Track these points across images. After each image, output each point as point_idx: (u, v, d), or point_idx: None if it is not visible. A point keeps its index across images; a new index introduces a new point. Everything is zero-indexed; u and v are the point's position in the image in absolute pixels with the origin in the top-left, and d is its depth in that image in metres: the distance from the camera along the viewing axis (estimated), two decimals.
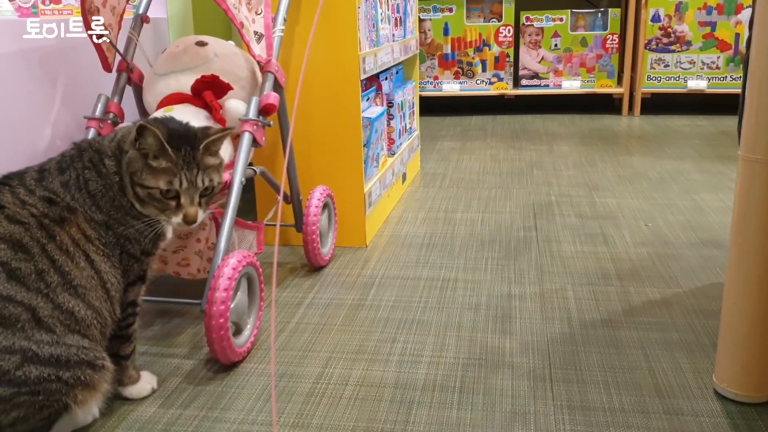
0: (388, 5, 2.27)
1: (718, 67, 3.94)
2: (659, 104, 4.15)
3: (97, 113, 1.55)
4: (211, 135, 1.20)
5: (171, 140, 1.15)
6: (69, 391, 1.04)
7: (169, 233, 1.28)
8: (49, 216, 1.08)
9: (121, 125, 1.30)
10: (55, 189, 1.12)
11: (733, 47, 3.90)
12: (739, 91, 1.29)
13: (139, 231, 1.19)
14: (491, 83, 4.20)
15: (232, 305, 1.34)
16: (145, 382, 1.29)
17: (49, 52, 1.64)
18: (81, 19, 1.47)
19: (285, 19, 1.69)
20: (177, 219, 1.19)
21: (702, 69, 3.96)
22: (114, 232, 1.16)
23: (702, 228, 2.13)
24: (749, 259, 1.17)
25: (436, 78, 4.24)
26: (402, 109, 2.52)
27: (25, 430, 1.01)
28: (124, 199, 1.17)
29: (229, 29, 2.32)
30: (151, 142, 1.14)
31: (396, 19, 2.40)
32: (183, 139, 1.17)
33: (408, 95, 2.63)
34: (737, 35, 3.88)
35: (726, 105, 3.88)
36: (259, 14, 1.60)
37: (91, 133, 1.52)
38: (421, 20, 4.11)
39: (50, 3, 1.75)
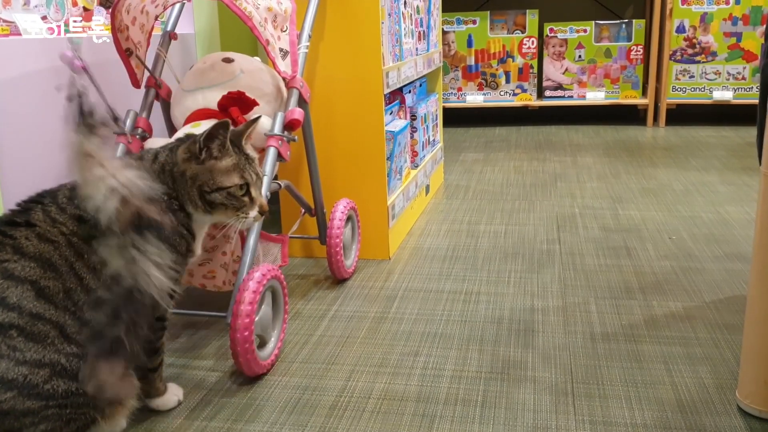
0: (411, 20, 2.29)
1: (743, 78, 3.91)
2: (684, 115, 4.12)
3: (126, 128, 1.59)
4: (247, 129, 1.27)
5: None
6: (96, 405, 1.06)
7: (199, 250, 1.31)
8: (78, 234, 1.10)
9: (148, 148, 1.32)
10: (87, 207, 1.14)
11: (759, 58, 3.86)
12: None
13: (173, 246, 1.21)
14: (515, 94, 4.20)
15: (256, 318, 1.36)
16: (172, 394, 1.32)
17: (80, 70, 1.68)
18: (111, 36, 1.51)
19: (310, 36, 1.72)
20: (254, 212, 1.26)
21: (728, 80, 3.93)
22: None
23: (726, 241, 2.11)
24: None
25: (459, 89, 4.25)
26: (425, 122, 2.54)
27: None
28: (167, 216, 1.19)
29: (255, 45, 2.36)
30: (218, 145, 1.20)
31: (419, 33, 2.42)
32: (231, 137, 1.24)
33: (431, 108, 2.64)
34: (763, 46, 3.84)
35: (752, 116, 3.84)
36: (285, 31, 1.63)
37: (120, 148, 1.55)
38: (444, 32, 4.13)
39: (81, 20, 1.79)
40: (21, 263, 1.04)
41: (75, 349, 1.04)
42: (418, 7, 2.39)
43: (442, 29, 3.97)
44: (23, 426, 0.99)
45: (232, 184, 1.23)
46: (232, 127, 1.24)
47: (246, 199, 1.25)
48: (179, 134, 1.50)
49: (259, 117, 1.30)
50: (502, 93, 4.22)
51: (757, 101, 1.47)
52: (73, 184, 1.18)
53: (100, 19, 1.76)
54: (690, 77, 3.97)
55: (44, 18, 1.68)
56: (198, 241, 1.30)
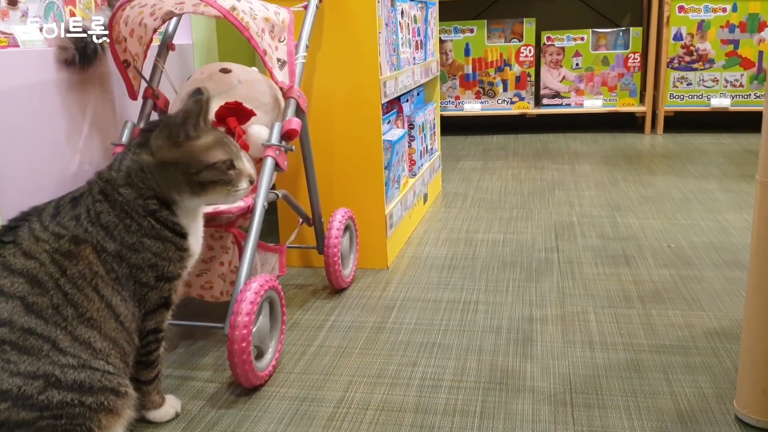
0: (408, 29, 2.30)
1: (741, 85, 3.92)
2: (682, 122, 4.13)
3: (124, 140, 1.59)
4: (205, 104, 1.22)
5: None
6: (92, 416, 1.05)
7: (198, 248, 1.28)
8: (59, 251, 1.10)
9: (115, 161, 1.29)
10: (66, 224, 1.14)
11: (756, 65, 3.88)
12: (762, 108, 1.28)
13: (158, 254, 1.20)
14: (512, 103, 4.21)
15: (254, 329, 1.35)
16: (169, 406, 1.31)
17: (77, 80, 1.69)
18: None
19: (307, 46, 1.72)
20: (244, 183, 1.24)
21: (725, 87, 3.94)
22: (127, 263, 1.16)
23: (726, 249, 2.11)
24: None
25: (457, 98, 4.26)
26: (423, 131, 2.54)
27: None
28: (146, 220, 1.18)
29: (253, 55, 2.36)
30: (193, 125, 1.18)
31: (416, 42, 2.42)
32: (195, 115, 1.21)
33: (429, 116, 2.65)
34: (761, 53, 3.86)
35: (750, 123, 3.86)
36: (282, 41, 1.63)
37: None
38: (442, 41, 4.14)
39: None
40: (10, 279, 1.05)
41: (71, 360, 1.04)
42: (415, 16, 2.39)
43: (440, 38, 3.98)
44: None
45: (217, 160, 1.20)
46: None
47: (232, 172, 1.22)
48: None
49: (209, 96, 1.23)
50: (499, 101, 4.22)
51: (755, 108, 1.46)
52: (57, 202, 1.18)
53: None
54: (688, 85, 3.98)
55: (42, 29, 1.68)
56: (193, 237, 1.26)
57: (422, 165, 2.55)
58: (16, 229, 1.12)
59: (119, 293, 1.15)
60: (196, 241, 1.27)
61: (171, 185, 1.19)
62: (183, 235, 1.23)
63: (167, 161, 1.18)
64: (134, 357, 1.21)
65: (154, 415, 1.29)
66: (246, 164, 1.25)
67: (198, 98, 1.20)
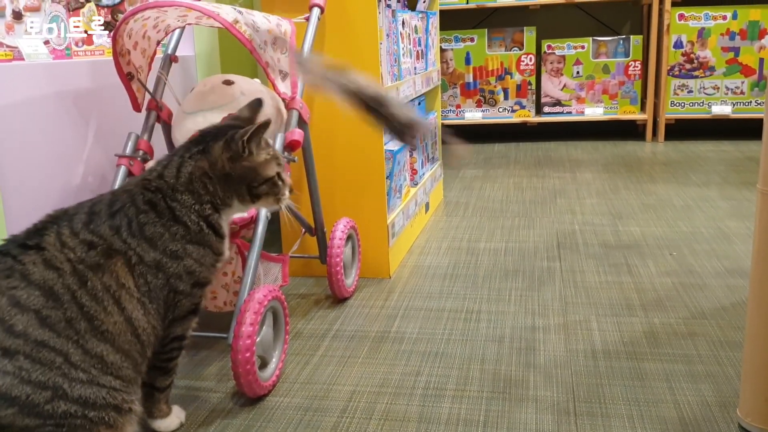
0: (409, 39, 2.31)
1: (742, 92, 3.93)
2: (683, 130, 4.14)
3: (128, 151, 1.60)
4: (268, 123, 1.29)
5: None
6: (92, 428, 1.06)
7: (227, 252, 1.30)
8: (85, 262, 1.11)
9: (150, 164, 1.32)
10: (102, 233, 1.14)
11: (757, 72, 3.89)
12: (763, 115, 1.28)
13: (198, 259, 1.22)
14: (513, 111, 4.22)
15: (258, 339, 1.36)
16: (174, 417, 1.31)
17: (82, 93, 1.70)
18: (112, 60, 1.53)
19: None
20: (287, 193, 1.33)
21: (726, 94, 3.95)
22: (165, 272, 1.18)
23: (728, 257, 2.11)
24: None
25: (458, 107, 4.27)
26: (424, 140, 2.55)
27: None
28: (197, 225, 1.21)
29: (255, 67, 2.38)
30: (256, 142, 1.25)
31: (417, 52, 2.43)
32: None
33: (430, 125, 2.66)
34: (761, 60, 3.87)
35: (751, 130, 3.86)
36: (284, 53, 1.64)
37: (122, 171, 1.56)
38: (442, 50, 4.15)
39: (83, 45, 1.81)
40: (27, 291, 1.05)
41: (81, 375, 1.05)
42: (416, 26, 2.41)
43: (441, 47, 4.00)
44: None
45: (273, 174, 1.28)
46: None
47: (280, 182, 1.30)
48: None
49: (268, 121, 1.29)
50: (500, 110, 4.24)
51: (756, 115, 1.47)
52: (91, 207, 1.18)
53: (102, 42, 1.77)
54: (688, 92, 3.99)
55: (46, 42, 1.69)
56: (226, 241, 1.30)
57: (424, 174, 2.56)
58: (43, 232, 1.11)
59: (144, 306, 1.16)
60: (226, 244, 1.31)
61: (231, 192, 1.25)
62: (223, 237, 1.27)
63: (228, 172, 1.24)
64: (152, 363, 1.22)
65: (160, 424, 1.29)
66: (289, 179, 1.35)
67: (266, 121, 1.25)
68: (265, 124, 1.25)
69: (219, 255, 1.27)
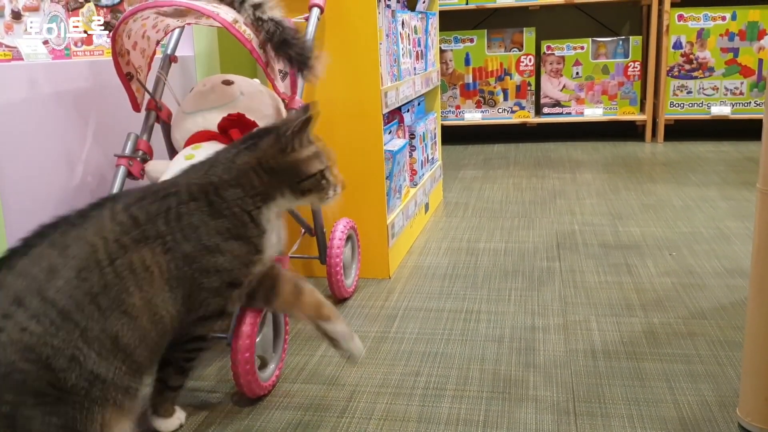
0: (409, 40, 2.31)
1: (741, 93, 3.93)
2: (683, 131, 4.14)
3: (127, 151, 1.59)
4: (313, 118, 1.31)
5: None
6: (103, 405, 1.05)
7: (273, 248, 1.30)
8: (119, 242, 1.11)
9: (201, 160, 1.31)
10: (139, 217, 1.15)
11: (756, 73, 3.89)
12: (763, 116, 1.28)
13: (237, 256, 1.21)
14: (513, 112, 4.22)
15: (257, 339, 1.36)
16: (176, 418, 1.31)
17: (81, 93, 1.70)
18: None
19: None
20: (337, 189, 1.34)
21: (725, 95, 3.95)
22: (196, 266, 1.17)
23: (727, 257, 2.11)
24: None
25: (458, 107, 4.27)
26: (424, 140, 2.55)
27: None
28: (240, 219, 1.22)
29: (255, 67, 2.38)
30: (301, 138, 1.26)
31: (417, 53, 2.43)
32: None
33: (430, 126, 2.66)
34: (760, 61, 3.87)
35: (751, 130, 3.86)
36: None
37: (121, 171, 1.56)
38: (442, 51, 4.16)
39: (82, 45, 1.81)
40: (65, 260, 1.06)
41: (93, 351, 1.05)
42: (415, 27, 2.41)
43: (440, 48, 4.00)
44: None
45: (316, 171, 1.28)
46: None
47: (324, 182, 1.31)
48: (179, 156, 1.51)
49: (311, 116, 1.30)
50: (500, 110, 4.24)
51: (755, 116, 1.47)
52: (144, 192, 1.20)
53: (102, 42, 1.77)
54: (688, 93, 3.99)
55: (45, 42, 1.69)
56: (274, 234, 1.30)
57: (423, 174, 2.56)
58: (102, 205, 1.16)
59: (165, 293, 1.15)
60: (278, 239, 1.32)
61: (277, 186, 1.26)
62: (264, 232, 1.26)
63: (273, 167, 1.25)
64: (170, 359, 1.22)
65: (161, 423, 1.29)
66: (337, 174, 1.35)
67: (308, 116, 1.27)
68: (309, 120, 1.26)
69: (259, 253, 1.26)
